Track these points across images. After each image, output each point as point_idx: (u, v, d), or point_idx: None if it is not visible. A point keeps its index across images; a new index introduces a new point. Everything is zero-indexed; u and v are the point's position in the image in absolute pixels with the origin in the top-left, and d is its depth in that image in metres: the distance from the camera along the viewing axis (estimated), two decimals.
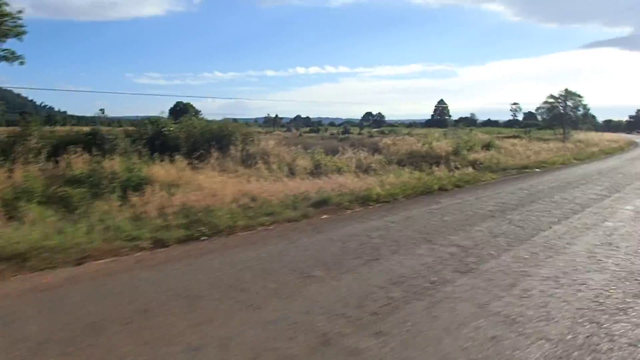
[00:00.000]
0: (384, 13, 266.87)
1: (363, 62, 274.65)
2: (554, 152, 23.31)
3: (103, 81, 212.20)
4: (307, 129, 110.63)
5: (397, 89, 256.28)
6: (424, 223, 7.54)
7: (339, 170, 13.99)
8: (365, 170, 15.64)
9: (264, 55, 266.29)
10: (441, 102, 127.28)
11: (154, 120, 16.25)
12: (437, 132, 31.55)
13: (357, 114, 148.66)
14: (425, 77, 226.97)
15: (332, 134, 65.70)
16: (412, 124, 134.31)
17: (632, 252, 5.73)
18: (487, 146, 24.07)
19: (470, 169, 15.49)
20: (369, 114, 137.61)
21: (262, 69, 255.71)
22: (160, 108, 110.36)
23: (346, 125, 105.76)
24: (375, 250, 5.78)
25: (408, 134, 38.86)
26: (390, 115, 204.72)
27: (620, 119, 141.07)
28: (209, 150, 13.46)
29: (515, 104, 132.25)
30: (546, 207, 8.96)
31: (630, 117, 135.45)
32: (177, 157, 11.71)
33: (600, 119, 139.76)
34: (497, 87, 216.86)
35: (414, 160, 20.35)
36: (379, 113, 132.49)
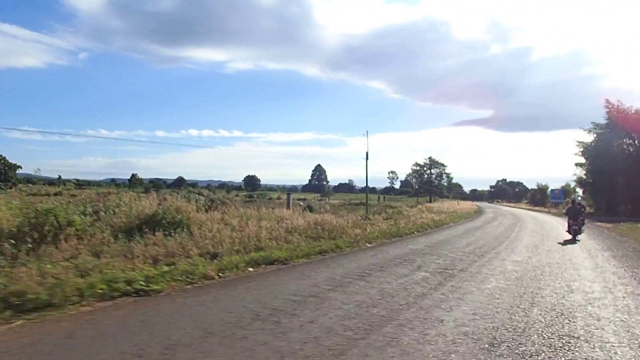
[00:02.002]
0: (277, 83, 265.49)
1: (257, 128, 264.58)
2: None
3: None
4: (169, 190, 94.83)
5: (290, 155, 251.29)
6: None
7: None
8: None
9: (155, 116, 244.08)
10: (318, 167, 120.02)
11: None
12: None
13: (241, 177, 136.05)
14: (318, 145, 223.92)
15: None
16: (292, 188, 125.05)
17: None
18: (162, 225, 11.03)
19: None
20: (249, 176, 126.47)
21: (152, 129, 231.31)
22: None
23: (210, 187, 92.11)
24: None
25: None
26: (280, 180, 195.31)
27: (484, 188, 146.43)
28: None
29: (392, 172, 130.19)
30: None
31: (491, 187, 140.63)
32: None
33: (468, 188, 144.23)
34: (380, 156, 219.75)
35: None
36: (254, 176, 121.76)
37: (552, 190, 55.29)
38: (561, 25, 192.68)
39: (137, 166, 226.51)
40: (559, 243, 13.54)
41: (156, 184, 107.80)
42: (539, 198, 67.43)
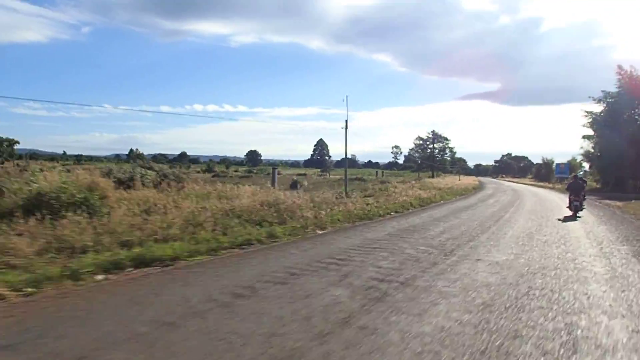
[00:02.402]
0: (282, 56, 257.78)
1: (262, 103, 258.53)
2: None
3: None
4: (167, 165, 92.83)
5: (294, 130, 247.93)
6: None
7: None
8: None
9: (159, 90, 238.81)
10: (320, 142, 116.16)
11: None
12: None
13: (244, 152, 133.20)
14: (322, 120, 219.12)
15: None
16: (294, 164, 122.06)
17: None
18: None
19: None
20: (251, 151, 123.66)
21: (157, 104, 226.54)
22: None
23: (209, 163, 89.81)
24: None
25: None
26: (284, 155, 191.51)
27: (489, 163, 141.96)
28: None
29: (396, 147, 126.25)
30: None
31: (496, 161, 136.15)
32: None
33: (472, 163, 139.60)
34: (387, 131, 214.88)
35: None
36: (255, 151, 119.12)
37: (557, 164, 51.66)
38: None
39: (142, 142, 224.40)
40: (560, 227, 10.67)
41: (158, 160, 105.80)
42: (544, 173, 64.09)
